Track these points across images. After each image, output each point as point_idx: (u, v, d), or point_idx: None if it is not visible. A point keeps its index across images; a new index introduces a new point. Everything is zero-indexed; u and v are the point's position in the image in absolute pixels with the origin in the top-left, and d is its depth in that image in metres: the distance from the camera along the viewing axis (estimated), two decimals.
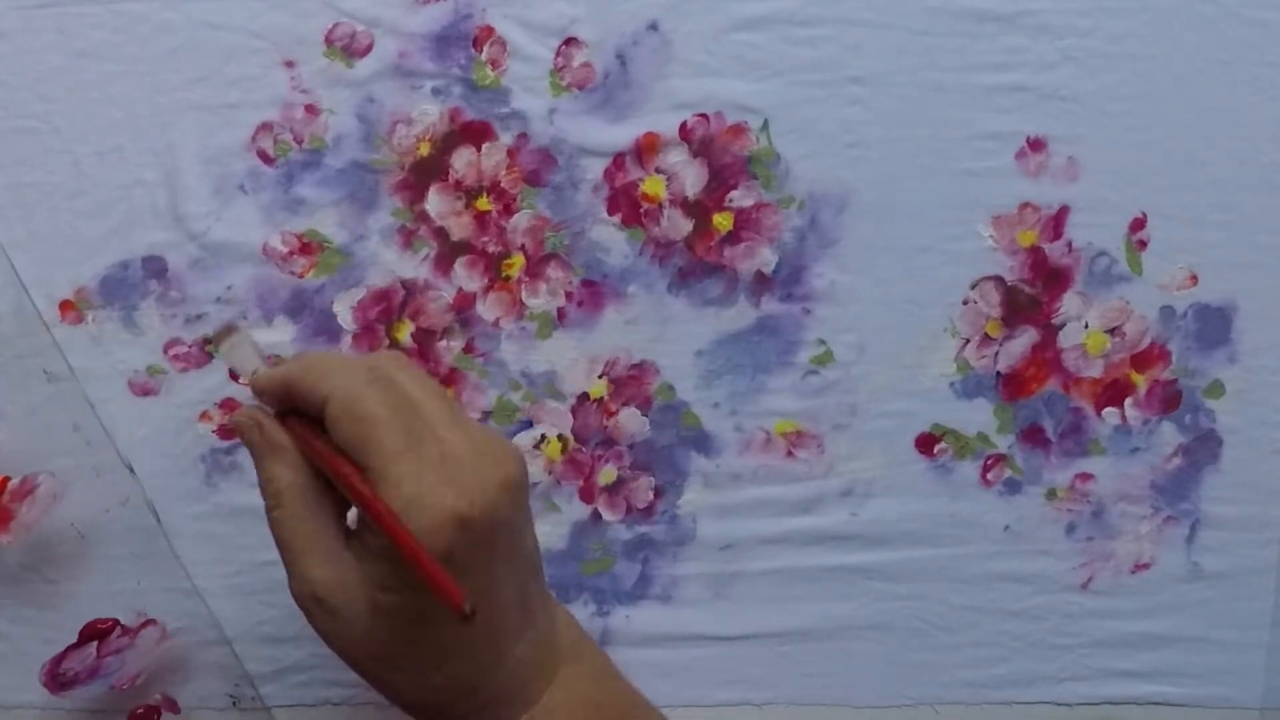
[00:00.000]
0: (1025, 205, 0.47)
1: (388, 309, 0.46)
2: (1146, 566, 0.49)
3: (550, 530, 0.47)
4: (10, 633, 0.46)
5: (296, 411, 0.34)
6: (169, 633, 0.46)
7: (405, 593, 0.32)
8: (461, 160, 0.45)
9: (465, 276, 0.46)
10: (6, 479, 0.43)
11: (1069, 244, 0.47)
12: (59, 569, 0.46)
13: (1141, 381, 0.48)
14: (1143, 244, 0.47)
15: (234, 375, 0.45)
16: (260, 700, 0.47)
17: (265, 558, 0.46)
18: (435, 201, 0.46)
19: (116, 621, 0.44)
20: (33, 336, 0.45)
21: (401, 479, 0.31)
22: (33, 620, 0.46)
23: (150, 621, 0.45)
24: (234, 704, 0.47)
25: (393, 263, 0.46)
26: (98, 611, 0.45)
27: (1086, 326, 0.47)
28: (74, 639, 0.44)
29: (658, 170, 0.46)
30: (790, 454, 0.47)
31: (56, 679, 0.43)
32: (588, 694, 0.36)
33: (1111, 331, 0.47)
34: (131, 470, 0.45)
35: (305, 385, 0.33)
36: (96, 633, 0.44)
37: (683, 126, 0.46)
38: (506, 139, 0.45)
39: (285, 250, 0.45)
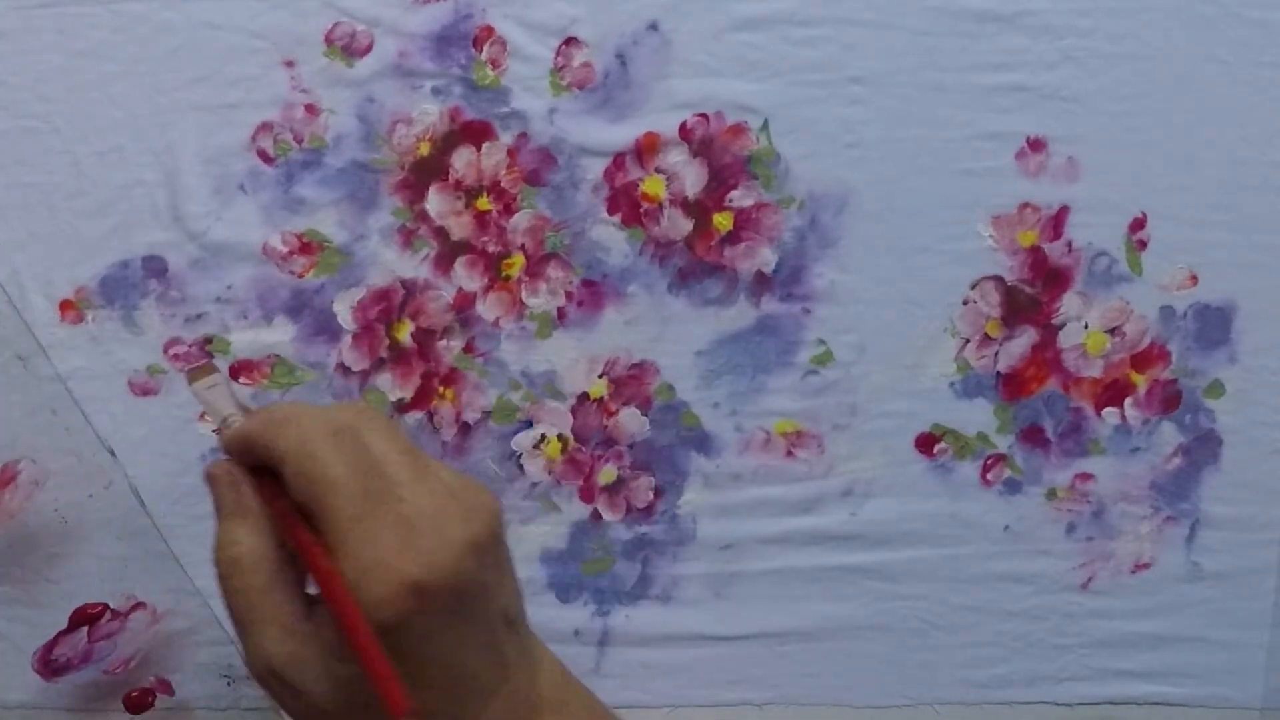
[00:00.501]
0: (1025, 205, 0.47)
1: (388, 308, 0.46)
2: (1146, 566, 0.49)
3: (550, 530, 0.47)
4: (4, 622, 0.46)
5: (267, 468, 0.32)
6: (159, 615, 0.46)
7: (354, 665, 0.30)
8: (461, 160, 0.45)
9: (465, 276, 0.46)
10: None
11: (1069, 244, 0.47)
12: (45, 556, 0.45)
13: (1141, 381, 0.48)
14: (1143, 244, 0.47)
15: (203, 416, 0.44)
16: (253, 679, 0.47)
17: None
18: (435, 201, 0.46)
19: (106, 606, 0.44)
20: (3, 322, 0.45)
21: (358, 545, 0.29)
22: (22, 608, 0.46)
23: (140, 604, 0.45)
24: (228, 683, 0.47)
25: (393, 262, 0.46)
26: (87, 596, 0.45)
27: (1086, 326, 0.47)
28: (64, 625, 0.44)
29: (658, 170, 0.46)
30: (790, 454, 0.47)
31: (49, 665, 0.43)
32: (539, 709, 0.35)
33: (1111, 331, 0.47)
34: (113, 454, 0.45)
35: (262, 441, 0.31)
36: (86, 617, 0.44)
37: (683, 126, 0.46)
38: (506, 139, 0.45)
39: (285, 250, 0.45)
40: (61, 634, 0.43)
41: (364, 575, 0.29)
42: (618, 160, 0.46)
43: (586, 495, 0.47)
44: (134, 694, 0.45)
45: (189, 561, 0.46)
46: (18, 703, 0.46)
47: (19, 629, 0.45)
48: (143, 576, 0.46)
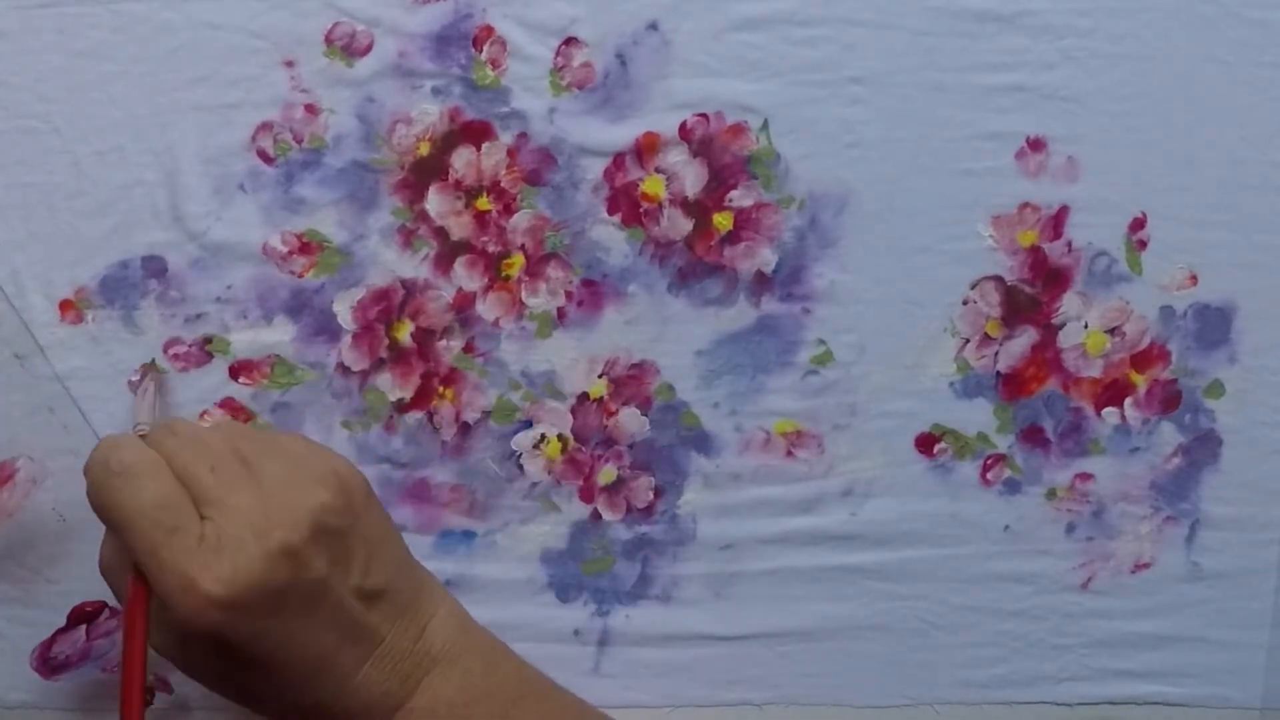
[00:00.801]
0: (1025, 205, 0.47)
1: (387, 308, 0.46)
2: (1146, 566, 0.49)
3: (550, 530, 0.47)
4: (2, 620, 0.46)
5: None
6: None
7: (193, 670, 0.35)
8: (461, 160, 0.45)
9: (465, 276, 0.46)
10: None
11: (1069, 244, 0.47)
12: (43, 555, 0.45)
13: (1141, 381, 0.48)
14: (1143, 244, 0.47)
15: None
16: None
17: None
18: (435, 201, 0.46)
19: (104, 604, 0.44)
20: (1, 321, 0.44)
21: (164, 568, 0.32)
22: (20, 608, 0.45)
23: None
24: None
25: (393, 262, 0.46)
26: (85, 595, 0.45)
27: (1086, 326, 0.47)
28: (63, 623, 0.44)
29: (658, 170, 0.46)
30: (790, 454, 0.47)
31: (48, 664, 0.43)
32: (453, 696, 0.36)
33: (1111, 331, 0.47)
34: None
35: (90, 487, 0.35)
36: (85, 615, 0.44)
37: (683, 126, 0.46)
38: (506, 139, 0.45)
39: (285, 250, 0.45)
40: (60, 632, 0.43)
41: (173, 594, 0.32)
42: (618, 160, 0.46)
43: (586, 495, 0.47)
44: None
45: None
46: (18, 702, 0.46)
47: (18, 629, 0.45)
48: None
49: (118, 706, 0.34)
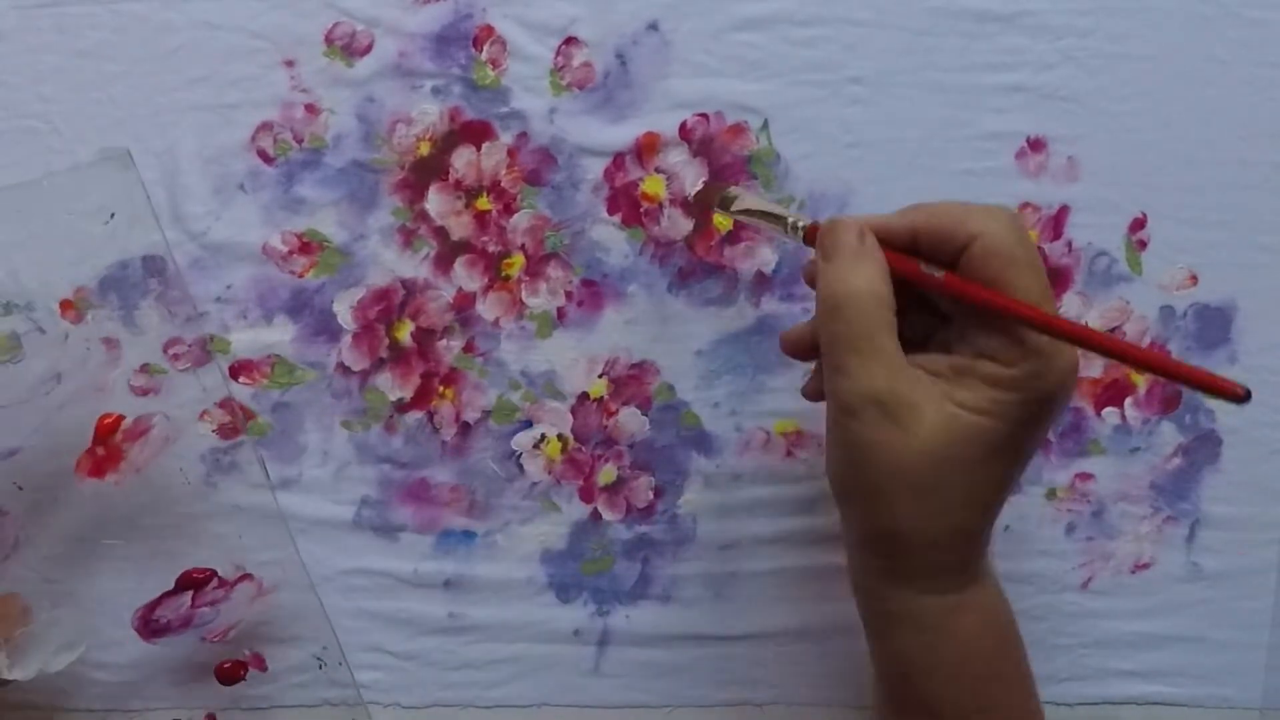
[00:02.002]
0: (1025, 205, 0.47)
1: (388, 308, 0.46)
2: (1146, 566, 0.49)
3: (550, 530, 0.47)
4: (110, 576, 0.46)
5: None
6: (264, 590, 0.46)
7: (992, 419, 0.33)
8: (461, 160, 0.45)
9: (465, 276, 0.46)
10: (121, 417, 0.43)
11: (1069, 244, 0.47)
12: (163, 515, 0.45)
13: (1141, 381, 0.48)
14: (1143, 244, 0.47)
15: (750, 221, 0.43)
16: (346, 664, 0.47)
17: (265, 558, 0.46)
18: (435, 201, 0.46)
19: (214, 572, 0.44)
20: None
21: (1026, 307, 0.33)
22: (130, 566, 0.46)
23: (247, 576, 0.45)
24: (320, 666, 0.47)
25: (393, 262, 0.46)
26: (197, 561, 0.45)
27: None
28: (170, 587, 0.44)
29: (658, 170, 0.46)
30: (790, 454, 0.47)
31: (149, 625, 0.43)
32: (998, 606, 0.38)
33: (1111, 331, 0.47)
34: (245, 419, 0.46)
35: (946, 224, 0.34)
36: (193, 582, 0.44)
37: (683, 126, 0.46)
38: (506, 139, 0.45)
39: (285, 250, 0.45)
40: (165, 595, 0.44)
41: (1047, 344, 0.33)
42: (618, 160, 0.46)
43: (586, 495, 0.47)
44: (226, 665, 0.46)
45: (189, 561, 0.46)
46: (113, 662, 0.46)
47: (125, 586, 0.45)
48: (254, 549, 0.46)
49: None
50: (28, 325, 0.43)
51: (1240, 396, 0.29)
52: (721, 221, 0.46)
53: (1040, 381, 0.33)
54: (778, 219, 0.39)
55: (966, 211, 0.34)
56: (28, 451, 0.43)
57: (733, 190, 0.42)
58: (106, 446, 0.43)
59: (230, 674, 0.45)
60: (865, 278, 0.34)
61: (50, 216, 0.44)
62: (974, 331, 0.34)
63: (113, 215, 0.44)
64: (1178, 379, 0.31)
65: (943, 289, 0.34)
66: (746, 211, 0.41)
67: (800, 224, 0.38)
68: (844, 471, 0.36)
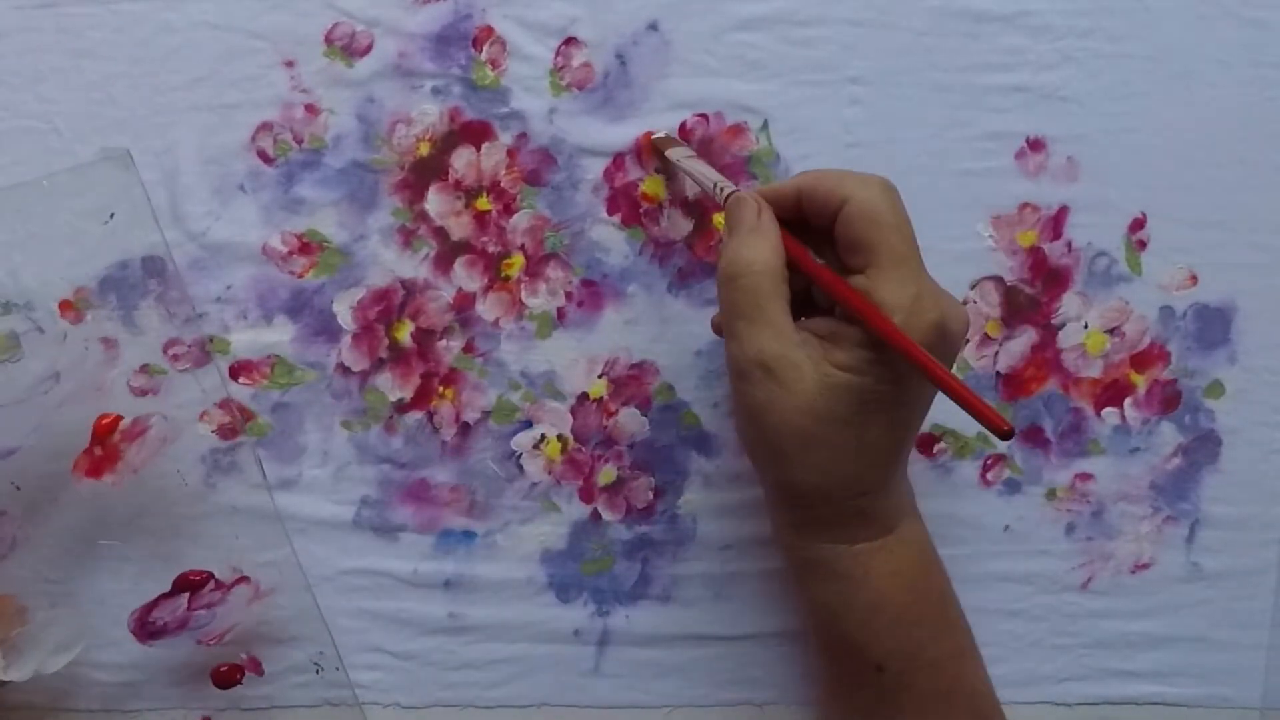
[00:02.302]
0: (1025, 205, 0.47)
1: (387, 309, 0.46)
2: (1146, 566, 0.49)
3: (550, 530, 0.47)
4: (108, 577, 0.46)
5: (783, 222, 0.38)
6: (261, 592, 0.45)
7: (862, 376, 0.35)
8: (461, 160, 0.45)
9: (465, 276, 0.46)
10: (119, 418, 0.43)
11: (1069, 244, 0.47)
12: (159, 517, 0.45)
13: (1141, 381, 0.48)
14: (1142, 244, 0.47)
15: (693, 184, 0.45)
16: (343, 670, 0.47)
17: (264, 558, 0.46)
18: (435, 201, 0.46)
19: (211, 574, 0.44)
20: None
21: (904, 279, 0.36)
22: (127, 567, 0.46)
23: (244, 578, 0.45)
24: (317, 671, 0.47)
25: (392, 262, 0.46)
26: (194, 563, 0.45)
27: (1086, 326, 0.47)
28: (167, 589, 0.44)
29: (657, 170, 0.46)
30: None
31: (145, 627, 0.43)
32: (925, 542, 0.40)
33: (1111, 331, 0.47)
34: (244, 420, 0.45)
35: (821, 189, 0.37)
36: (189, 584, 0.44)
37: (682, 126, 0.46)
38: (506, 139, 0.45)
39: (285, 250, 0.45)
40: (162, 597, 0.43)
41: (910, 303, 0.35)
42: (617, 160, 0.46)
43: (586, 495, 0.47)
44: (223, 668, 0.45)
45: (190, 562, 0.46)
46: (110, 663, 0.46)
47: (121, 588, 0.45)
48: (250, 548, 0.46)
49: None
50: (26, 325, 0.43)
51: (1004, 432, 0.32)
52: (722, 221, 0.46)
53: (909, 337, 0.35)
54: (710, 182, 0.41)
55: (841, 178, 0.37)
56: (25, 451, 0.43)
57: (675, 146, 0.44)
58: (104, 447, 0.43)
59: (227, 678, 0.45)
60: (758, 251, 0.37)
61: (50, 216, 0.44)
62: None
63: (112, 215, 0.44)
64: (957, 400, 0.33)
65: (811, 273, 0.37)
66: (680, 163, 0.43)
67: (724, 190, 0.40)
68: (744, 430, 0.39)
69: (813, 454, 0.37)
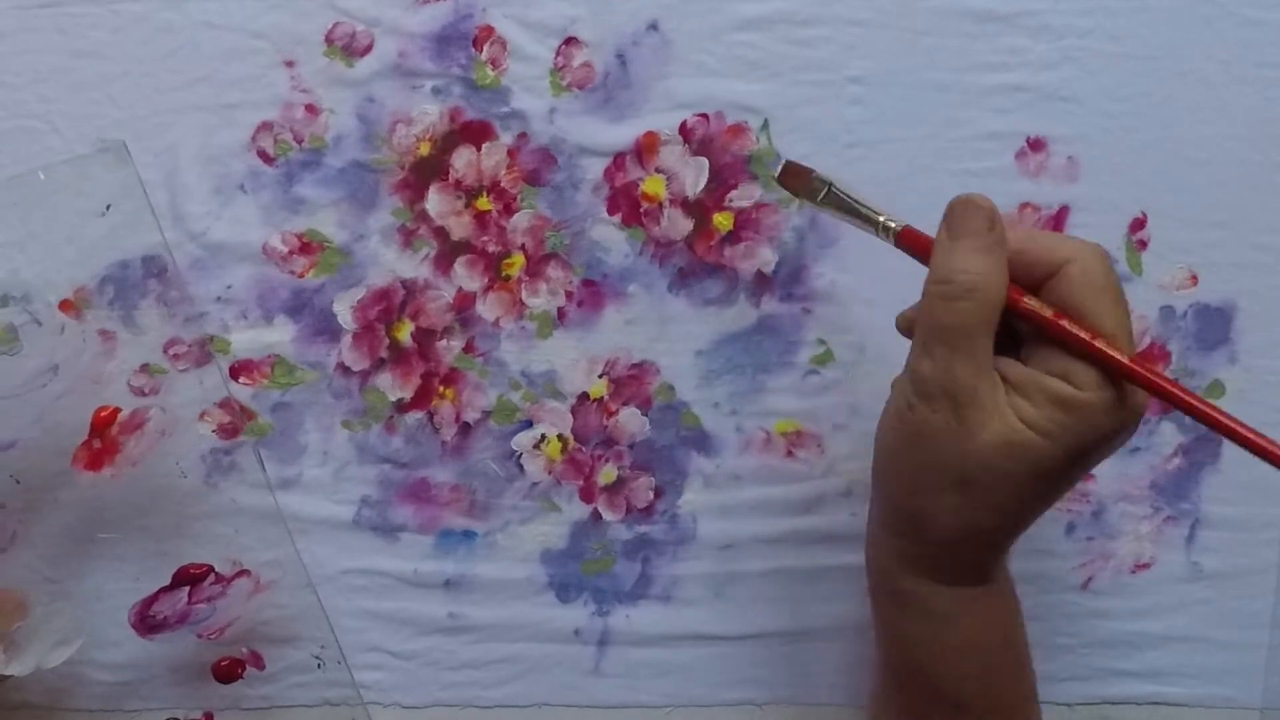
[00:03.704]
0: (1025, 205, 0.47)
1: (388, 309, 0.46)
2: (1146, 566, 0.49)
3: (550, 530, 0.47)
4: (107, 573, 0.46)
5: None
6: (262, 586, 0.45)
7: (1048, 440, 0.33)
8: (461, 160, 0.45)
9: (465, 276, 0.46)
10: (117, 410, 0.43)
11: None
12: (158, 510, 0.45)
13: None
14: (1143, 244, 0.47)
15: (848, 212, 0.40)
16: (345, 663, 0.47)
17: (265, 558, 0.46)
18: (435, 201, 0.46)
19: (210, 568, 0.44)
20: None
21: (1128, 348, 0.33)
22: (125, 563, 0.46)
23: (244, 571, 0.45)
24: (318, 665, 0.47)
25: (393, 262, 0.46)
26: (193, 556, 0.45)
27: None
28: (167, 583, 0.44)
29: (658, 170, 0.46)
30: (790, 454, 0.47)
31: (145, 621, 0.43)
32: (1014, 593, 0.39)
33: None
34: (244, 415, 0.46)
35: (1038, 248, 0.34)
36: (189, 577, 0.44)
37: (683, 126, 0.46)
38: (506, 139, 0.45)
39: (285, 250, 0.45)
40: (162, 591, 0.43)
41: (1128, 384, 0.33)
42: (618, 160, 0.46)
43: (586, 495, 0.47)
44: (224, 663, 0.45)
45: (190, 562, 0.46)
46: (111, 661, 0.46)
47: (120, 584, 0.45)
48: (251, 545, 0.46)
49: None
50: (24, 317, 0.43)
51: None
52: (722, 221, 0.46)
53: (1106, 416, 0.33)
54: (868, 219, 0.38)
55: (1060, 239, 0.35)
56: (24, 445, 0.43)
57: (819, 178, 0.40)
58: (103, 439, 0.43)
59: (228, 672, 0.45)
60: (988, 271, 0.34)
61: (48, 210, 0.44)
62: (1049, 348, 0.34)
63: (109, 207, 0.44)
64: (1236, 440, 0.32)
65: (1041, 322, 0.34)
66: (833, 205, 0.39)
67: (893, 225, 0.37)
68: (895, 448, 0.36)
69: (964, 500, 0.34)
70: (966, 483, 0.34)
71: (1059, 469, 0.34)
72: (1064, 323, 0.33)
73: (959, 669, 0.37)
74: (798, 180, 0.41)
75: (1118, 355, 0.33)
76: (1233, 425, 0.32)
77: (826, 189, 0.39)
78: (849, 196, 0.39)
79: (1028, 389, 0.33)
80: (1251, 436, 0.31)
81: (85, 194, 0.44)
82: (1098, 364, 0.33)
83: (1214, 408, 0.32)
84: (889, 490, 0.38)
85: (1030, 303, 0.34)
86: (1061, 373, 0.33)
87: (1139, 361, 0.33)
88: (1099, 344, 0.33)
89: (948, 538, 0.36)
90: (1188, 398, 0.32)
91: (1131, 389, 0.33)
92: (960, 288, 0.33)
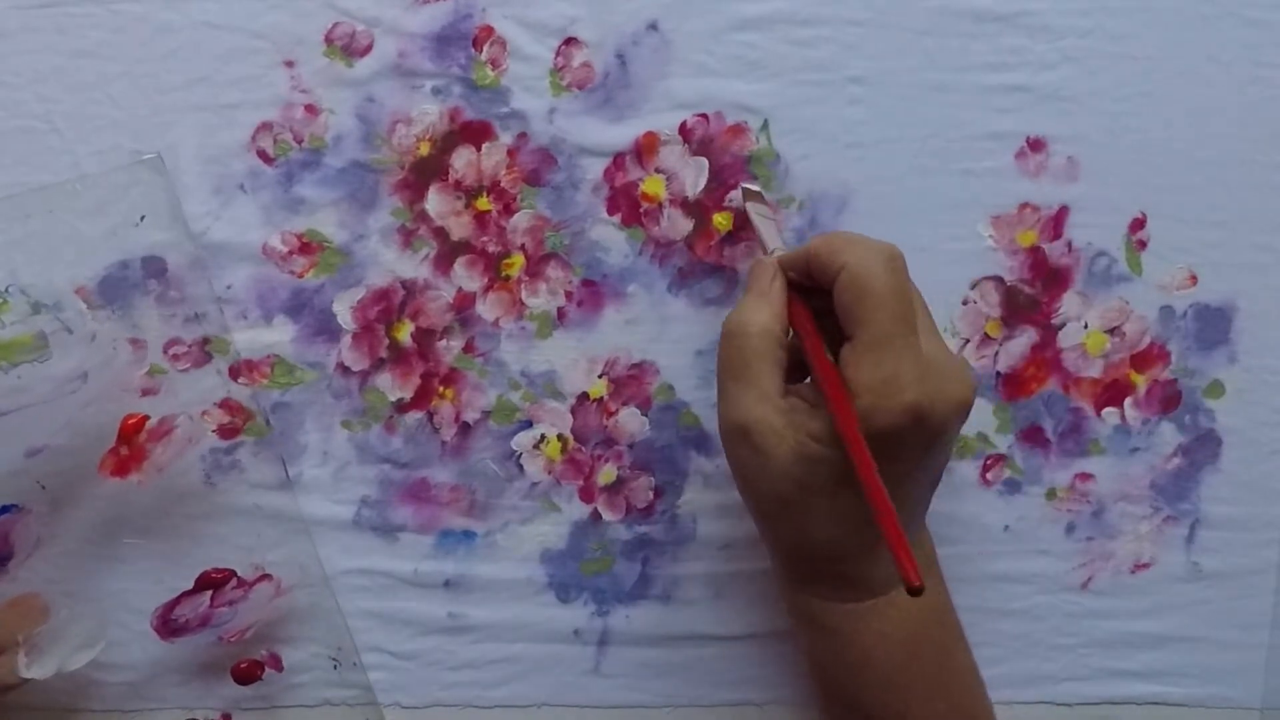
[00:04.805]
0: (1025, 205, 0.47)
1: (387, 309, 0.46)
2: (1146, 566, 0.49)
3: (550, 530, 0.47)
4: (128, 576, 0.46)
5: (800, 287, 0.39)
6: (283, 589, 0.45)
7: (835, 449, 0.35)
8: (461, 160, 0.45)
9: (465, 276, 0.46)
10: (145, 417, 0.43)
11: (1069, 244, 0.47)
12: (184, 516, 0.45)
13: (1141, 381, 0.48)
14: (1142, 244, 0.47)
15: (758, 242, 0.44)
16: (360, 664, 0.47)
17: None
18: (435, 201, 0.46)
19: (233, 572, 0.44)
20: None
21: (881, 358, 0.35)
22: (149, 566, 0.46)
23: (266, 576, 0.45)
24: (335, 666, 0.47)
25: (393, 262, 0.46)
26: (217, 561, 0.45)
27: (1086, 326, 0.47)
28: (189, 587, 0.44)
29: (657, 170, 0.46)
30: None
31: (168, 625, 0.43)
32: (929, 605, 0.39)
33: (1111, 331, 0.47)
34: (268, 421, 0.46)
35: (826, 253, 0.37)
36: (212, 582, 0.44)
37: (683, 126, 0.46)
38: (506, 139, 0.45)
39: (285, 250, 0.45)
40: (185, 595, 0.44)
41: (880, 385, 0.35)
42: (618, 160, 0.46)
43: (586, 495, 0.47)
44: (244, 664, 0.45)
45: (190, 562, 0.46)
46: (128, 662, 0.46)
47: (144, 587, 0.45)
48: (273, 549, 0.46)
49: None
50: (55, 325, 0.43)
51: (914, 588, 0.31)
52: (722, 221, 0.46)
53: (872, 420, 0.35)
54: (765, 245, 0.42)
55: (846, 243, 0.37)
56: (51, 450, 0.43)
57: (751, 193, 0.45)
58: (130, 446, 0.43)
59: (247, 674, 0.45)
60: (757, 314, 0.38)
61: (50, 216, 0.44)
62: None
63: (142, 218, 0.44)
64: (878, 522, 0.33)
65: (800, 338, 0.38)
66: (754, 218, 0.43)
67: (772, 251, 0.41)
68: (736, 484, 0.39)
69: (790, 518, 0.37)
70: (785, 501, 0.37)
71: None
72: (808, 356, 0.37)
73: (859, 680, 0.39)
74: (746, 198, 0.45)
75: (839, 400, 0.35)
76: (888, 523, 0.33)
77: (751, 198, 0.44)
78: (758, 215, 0.44)
79: (815, 406, 0.36)
80: (899, 544, 0.32)
81: (119, 204, 0.44)
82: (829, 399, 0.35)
83: (875, 488, 0.33)
84: (757, 527, 0.41)
85: (809, 328, 0.38)
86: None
87: (846, 402, 0.35)
88: (819, 375, 0.36)
89: (799, 554, 0.39)
90: (853, 451, 0.34)
91: (890, 390, 0.35)
92: (734, 327, 0.38)
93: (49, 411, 0.42)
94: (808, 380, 0.39)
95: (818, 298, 0.38)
